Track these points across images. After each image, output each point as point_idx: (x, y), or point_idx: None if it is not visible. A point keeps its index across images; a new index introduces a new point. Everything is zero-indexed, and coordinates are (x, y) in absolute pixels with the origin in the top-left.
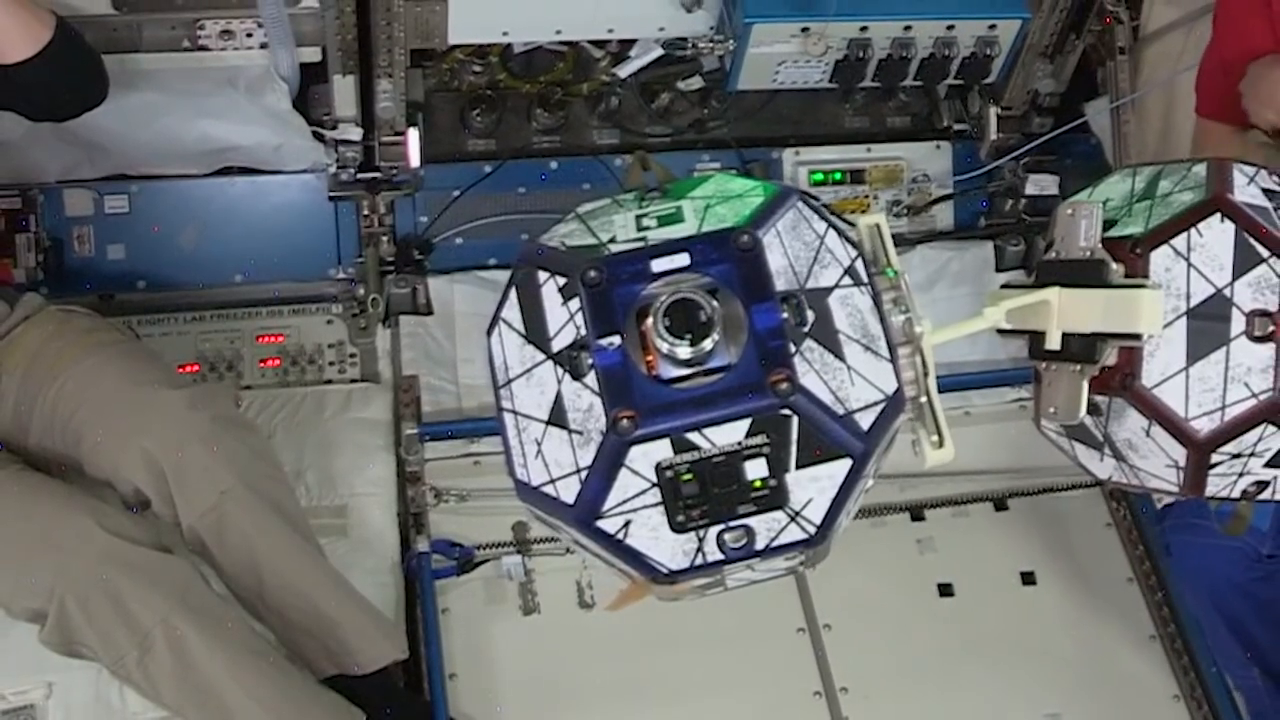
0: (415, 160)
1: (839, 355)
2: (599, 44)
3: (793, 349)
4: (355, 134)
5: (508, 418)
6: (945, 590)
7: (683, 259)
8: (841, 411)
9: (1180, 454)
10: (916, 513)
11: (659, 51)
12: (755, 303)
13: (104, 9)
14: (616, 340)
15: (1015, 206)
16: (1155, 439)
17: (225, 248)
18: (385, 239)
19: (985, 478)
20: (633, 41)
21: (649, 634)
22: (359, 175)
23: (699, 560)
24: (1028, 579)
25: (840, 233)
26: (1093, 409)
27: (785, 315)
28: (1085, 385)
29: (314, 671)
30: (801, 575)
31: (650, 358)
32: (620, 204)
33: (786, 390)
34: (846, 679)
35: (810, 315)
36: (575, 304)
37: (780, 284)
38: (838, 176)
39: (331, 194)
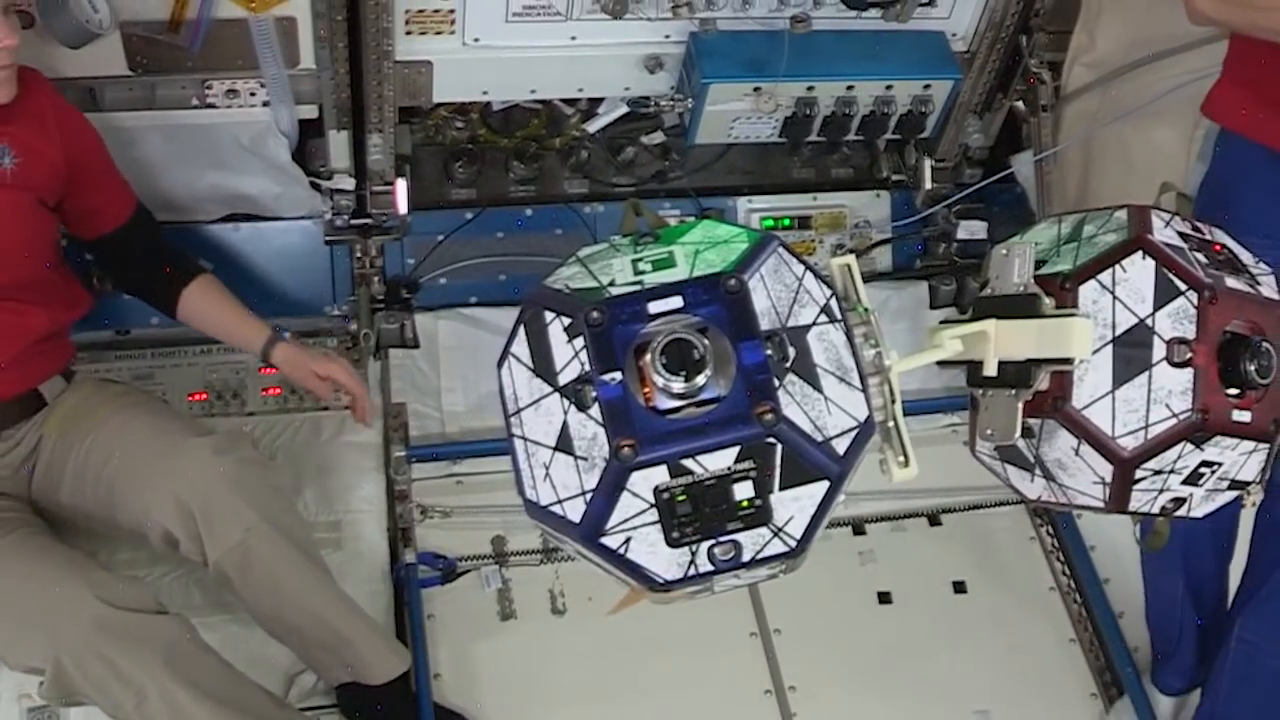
0: (403, 208)
1: (817, 387)
2: (570, 102)
3: (776, 383)
4: (349, 184)
5: (518, 443)
6: (884, 598)
7: (676, 301)
8: (820, 439)
9: (1107, 470)
10: (858, 527)
11: (624, 109)
12: (742, 341)
13: (122, 70)
14: (618, 376)
15: (948, 250)
16: (1084, 457)
17: (231, 287)
18: (376, 279)
19: (920, 496)
20: (600, 100)
21: (616, 638)
22: (352, 221)
23: (691, 571)
24: (959, 588)
25: (816, 274)
26: (1026, 432)
27: (769, 352)
28: (1020, 407)
29: (328, 680)
30: (755, 585)
31: (648, 390)
32: (617, 248)
33: (771, 421)
34: (795, 678)
35: (791, 351)
36: (580, 342)
37: (764, 323)
38: (786, 222)
39: (327, 238)
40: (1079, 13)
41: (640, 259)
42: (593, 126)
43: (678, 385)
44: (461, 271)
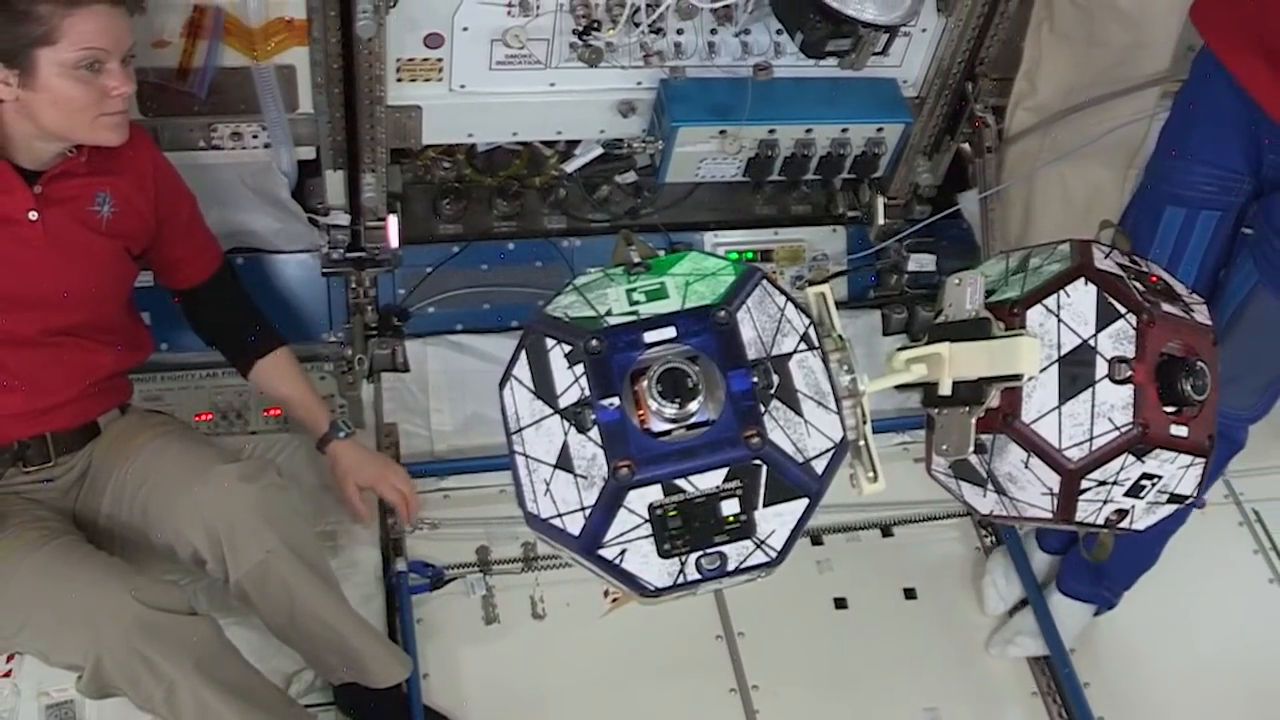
0: (394, 242)
1: (798, 411)
2: (549, 144)
3: (762, 409)
4: (344, 220)
5: (519, 459)
6: (840, 603)
7: (670, 332)
8: (801, 460)
9: (1055, 481)
10: (816, 538)
11: (599, 150)
12: (731, 369)
13: (134, 114)
14: (616, 401)
15: (899, 281)
16: (1033, 469)
17: None
18: (369, 308)
19: (874, 509)
20: (577, 142)
21: (592, 640)
22: (347, 254)
23: (680, 580)
24: (909, 594)
25: (796, 304)
26: (979, 448)
27: (755, 380)
28: (973, 423)
29: (331, 679)
30: (720, 591)
31: (642, 413)
32: (611, 278)
33: (758, 444)
34: (758, 678)
35: (775, 378)
36: (580, 369)
37: (751, 353)
38: (750, 255)
39: (324, 270)
40: (1020, 61)
41: (634, 289)
42: (570, 166)
43: (671, 411)
44: (449, 301)
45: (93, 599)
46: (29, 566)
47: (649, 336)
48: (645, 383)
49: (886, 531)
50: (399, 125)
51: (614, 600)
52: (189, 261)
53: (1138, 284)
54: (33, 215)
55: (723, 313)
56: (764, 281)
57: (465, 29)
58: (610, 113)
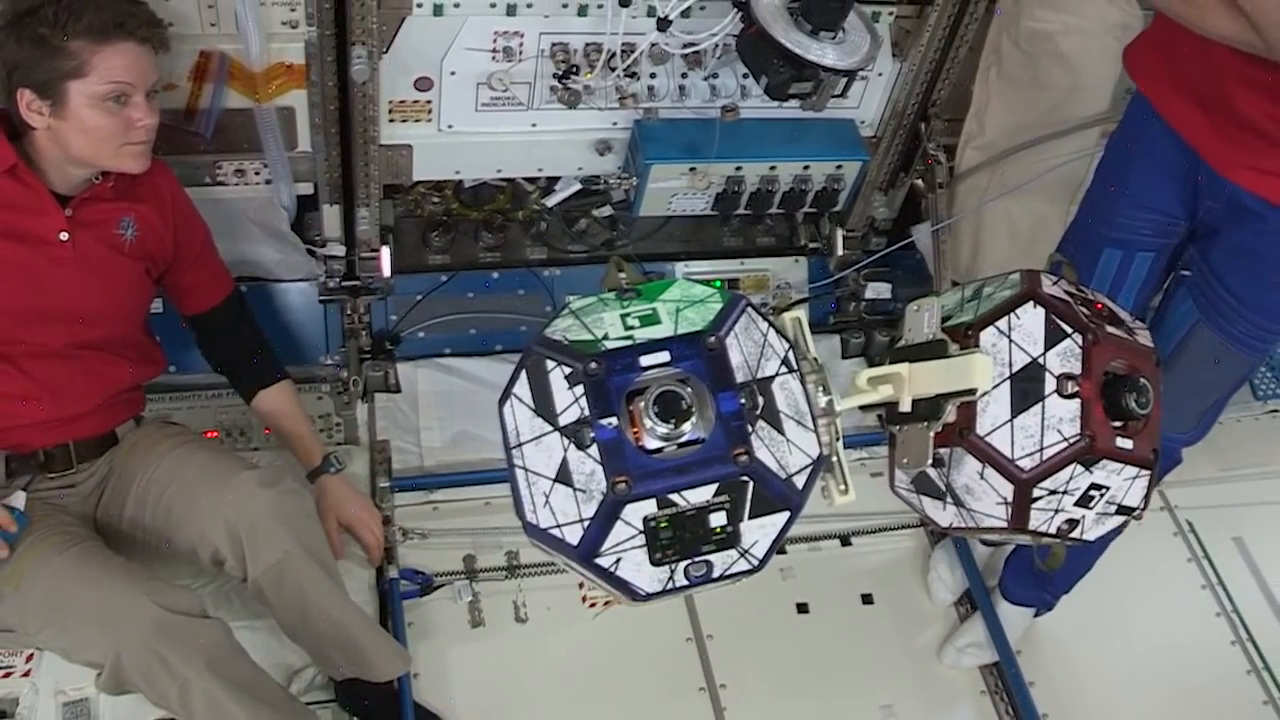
0: (387, 271)
1: (780, 430)
2: (531, 180)
3: (749, 429)
4: (340, 251)
5: (519, 473)
6: (802, 608)
7: (664, 356)
8: (784, 475)
9: (1008, 491)
10: (780, 547)
11: (578, 186)
12: (720, 391)
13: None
14: (614, 420)
15: (857, 307)
16: (988, 480)
17: None
18: (364, 333)
19: (833, 520)
20: (557, 178)
21: (571, 642)
22: (343, 283)
23: (670, 586)
24: (867, 599)
25: (776, 330)
26: (937, 462)
27: (743, 401)
28: (931, 437)
29: (333, 675)
30: (690, 596)
31: (637, 430)
32: (605, 302)
33: (746, 462)
34: (725, 678)
35: (760, 400)
36: (580, 389)
37: (739, 376)
38: (718, 284)
39: (322, 298)
40: (970, 103)
41: (628, 314)
42: (551, 201)
43: (663, 429)
44: (437, 326)
45: (113, 602)
46: (53, 570)
47: (644, 360)
48: (641, 403)
49: (845, 541)
50: (391, 163)
51: (605, 603)
52: (200, 288)
53: (1084, 309)
54: (63, 236)
55: (713, 339)
56: (749, 309)
57: (453, 73)
58: (588, 151)
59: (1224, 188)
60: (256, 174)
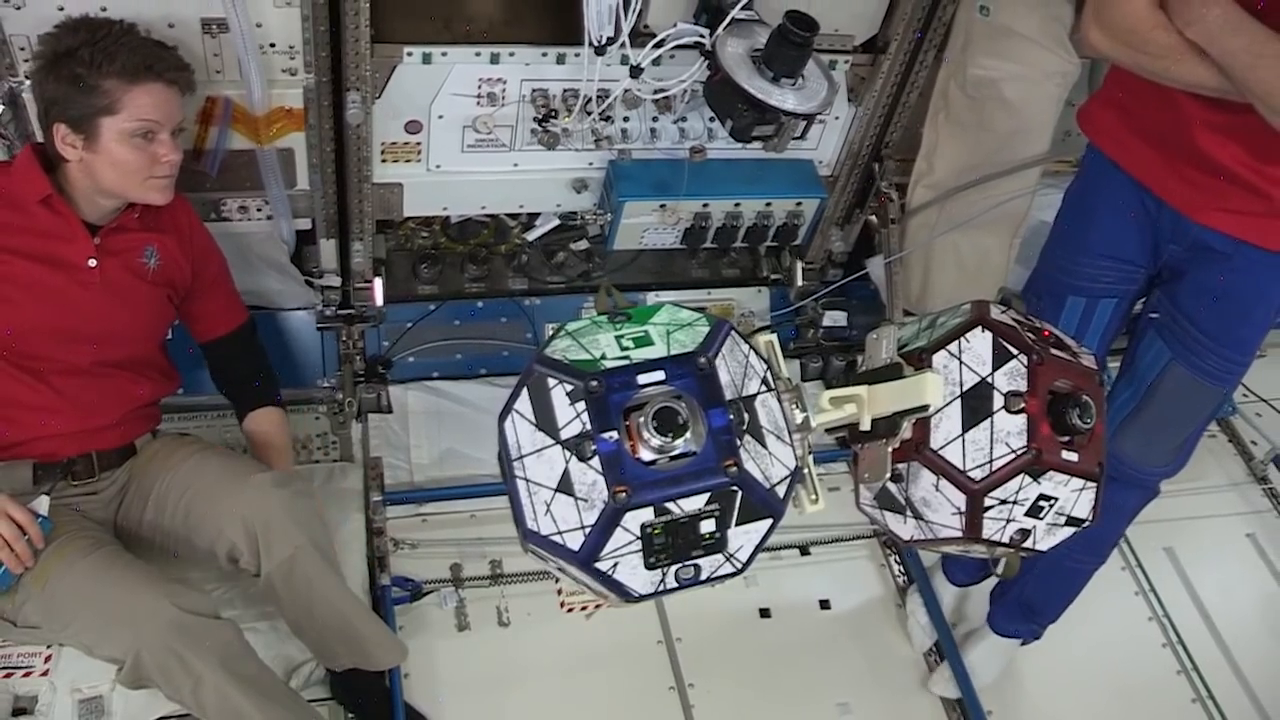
0: (379, 300)
1: (763, 444)
2: (513, 216)
3: (737, 443)
4: (336, 281)
5: (520, 483)
6: (765, 613)
7: (659, 375)
8: (768, 486)
9: (961, 500)
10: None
11: (556, 221)
12: (710, 408)
13: None
14: (614, 434)
15: (815, 334)
16: (943, 491)
17: None
18: (358, 358)
19: (793, 531)
20: (537, 214)
21: (550, 644)
22: (339, 311)
23: (660, 588)
24: (824, 605)
25: (756, 352)
26: (896, 476)
27: (731, 417)
28: (889, 452)
29: (333, 666)
30: (660, 601)
31: (633, 444)
32: (598, 324)
33: (735, 473)
34: (693, 677)
35: (745, 416)
36: (581, 405)
37: (727, 394)
38: None
39: (319, 325)
40: (920, 145)
41: (622, 335)
42: (531, 236)
43: (659, 442)
44: (426, 351)
45: (135, 602)
46: (78, 572)
47: (641, 379)
48: (640, 418)
49: (804, 551)
50: (383, 200)
51: (583, 608)
52: (214, 315)
53: (1030, 334)
54: (92, 262)
55: (704, 360)
56: (733, 332)
57: (441, 117)
58: (566, 189)
59: (1189, 231)
60: (259, 210)
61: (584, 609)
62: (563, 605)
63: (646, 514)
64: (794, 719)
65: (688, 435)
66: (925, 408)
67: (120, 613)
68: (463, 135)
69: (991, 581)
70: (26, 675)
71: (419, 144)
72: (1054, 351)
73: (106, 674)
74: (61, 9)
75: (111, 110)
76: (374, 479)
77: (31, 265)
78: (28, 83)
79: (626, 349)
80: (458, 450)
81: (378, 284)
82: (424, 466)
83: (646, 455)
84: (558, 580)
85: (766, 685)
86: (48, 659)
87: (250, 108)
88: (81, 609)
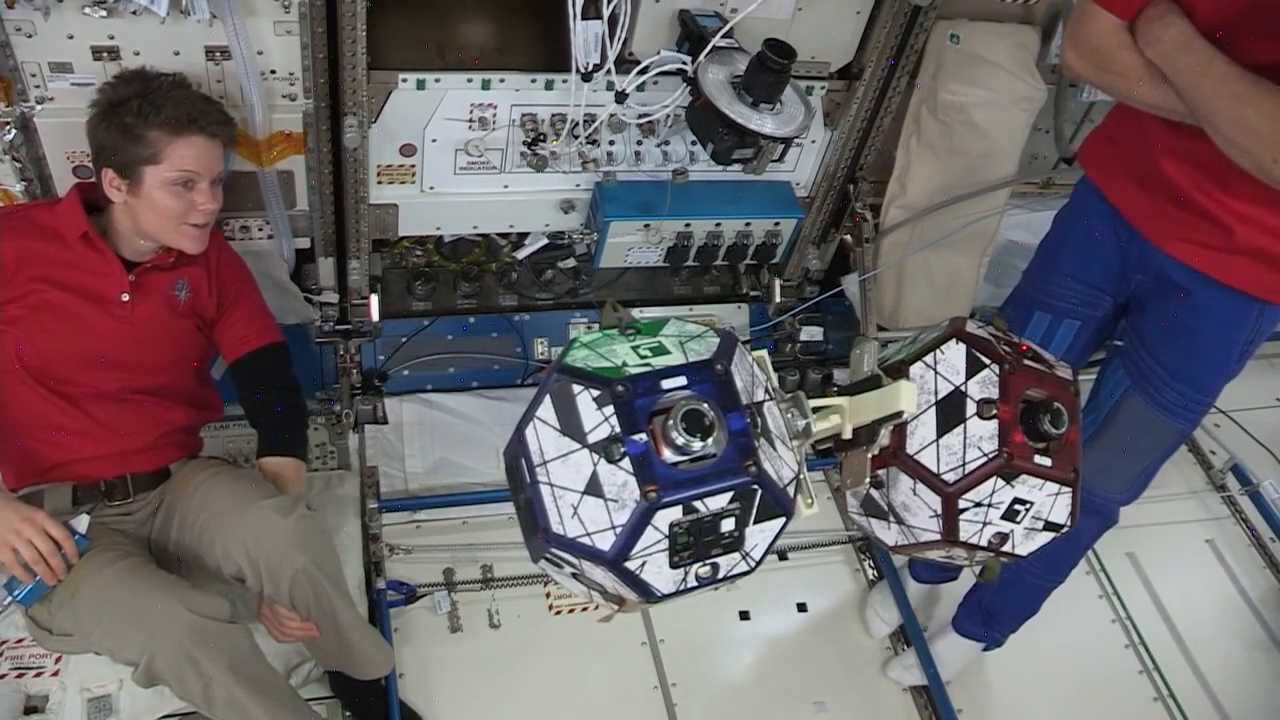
0: (375, 316)
1: (774, 447)
2: (503, 235)
3: (755, 444)
4: (334, 298)
5: (544, 489)
6: (744, 615)
7: (681, 380)
8: (780, 486)
9: (937, 503)
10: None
11: (545, 240)
12: (729, 412)
13: None
14: (644, 436)
15: (793, 348)
16: (920, 495)
17: None
18: (355, 371)
19: None
20: (527, 234)
21: (539, 646)
22: (336, 327)
23: (682, 587)
24: (802, 608)
25: (758, 364)
26: (877, 482)
27: (748, 421)
28: (869, 458)
29: (326, 667)
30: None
31: (658, 447)
32: (610, 337)
33: (756, 473)
34: (676, 677)
35: (759, 421)
36: (609, 410)
37: (743, 399)
38: None
39: (317, 340)
40: (893, 167)
41: (638, 346)
42: (521, 254)
43: (682, 442)
44: (420, 365)
45: (151, 606)
46: (103, 579)
47: (665, 384)
48: (668, 420)
49: (782, 556)
50: (379, 220)
51: (570, 610)
52: (237, 334)
53: (1006, 347)
54: (125, 297)
55: (720, 366)
56: (740, 344)
57: (434, 140)
58: (554, 210)
59: (1154, 260)
60: (260, 229)
61: (571, 611)
62: (551, 608)
63: (675, 513)
64: (772, 717)
65: (715, 436)
66: (901, 414)
67: (137, 616)
68: (455, 158)
69: (958, 587)
70: (38, 675)
71: (413, 166)
72: (1027, 362)
73: (114, 674)
74: (71, 38)
75: (155, 160)
76: (370, 487)
77: (67, 296)
78: (39, 108)
79: (645, 357)
80: (450, 460)
81: (374, 300)
82: (418, 475)
83: (670, 457)
84: (545, 585)
85: (746, 685)
86: (58, 660)
87: (252, 132)
88: (103, 614)
